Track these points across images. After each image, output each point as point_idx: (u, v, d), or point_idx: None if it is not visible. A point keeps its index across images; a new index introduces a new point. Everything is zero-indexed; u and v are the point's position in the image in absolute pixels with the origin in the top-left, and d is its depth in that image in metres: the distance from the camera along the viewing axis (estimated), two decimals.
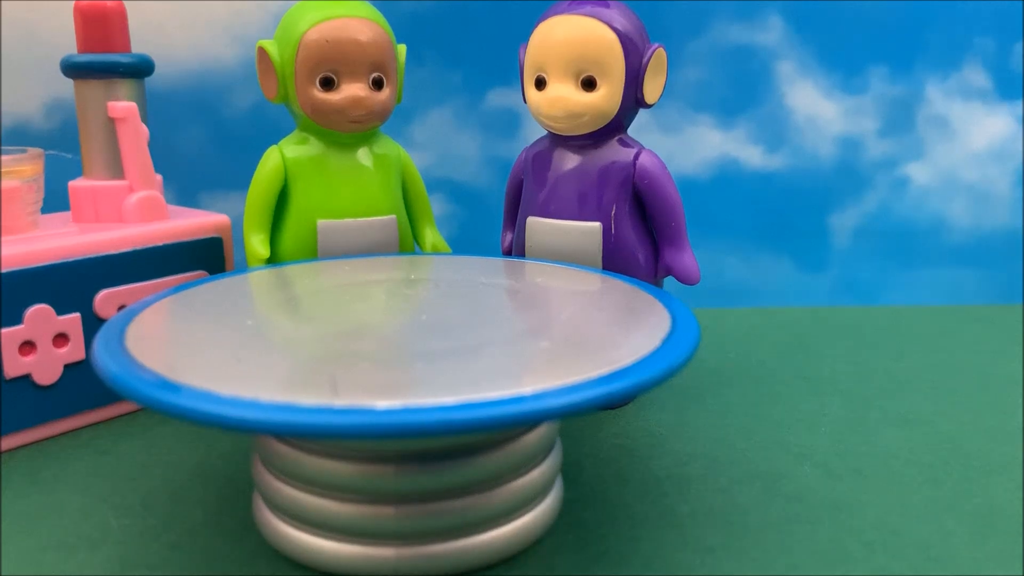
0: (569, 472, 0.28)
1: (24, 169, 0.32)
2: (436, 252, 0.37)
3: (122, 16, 0.34)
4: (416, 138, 0.50)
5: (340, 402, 0.18)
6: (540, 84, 0.32)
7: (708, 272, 0.34)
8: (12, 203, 0.31)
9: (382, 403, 0.18)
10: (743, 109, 0.50)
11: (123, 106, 0.34)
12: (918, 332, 0.44)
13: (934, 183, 0.52)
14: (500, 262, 0.32)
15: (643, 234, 0.33)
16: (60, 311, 0.31)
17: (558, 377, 0.19)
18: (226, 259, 0.35)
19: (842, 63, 0.50)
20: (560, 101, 0.31)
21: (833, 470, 0.29)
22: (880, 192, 0.51)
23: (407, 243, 0.36)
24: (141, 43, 0.37)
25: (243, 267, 0.33)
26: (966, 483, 0.28)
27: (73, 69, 0.34)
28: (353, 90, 0.33)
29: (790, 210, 0.52)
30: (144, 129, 0.34)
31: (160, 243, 0.33)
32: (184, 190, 0.48)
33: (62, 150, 0.37)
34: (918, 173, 0.52)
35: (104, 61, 0.33)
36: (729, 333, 0.43)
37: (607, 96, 0.31)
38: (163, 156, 0.36)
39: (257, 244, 0.34)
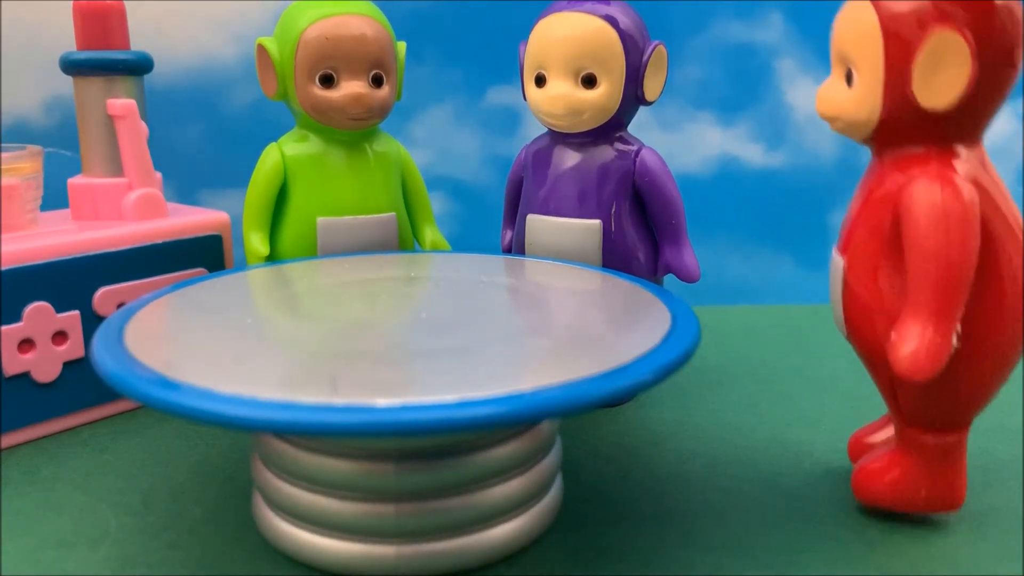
0: (569, 470, 0.28)
1: (23, 167, 0.32)
2: (436, 250, 0.37)
3: (121, 14, 0.34)
4: (416, 136, 0.50)
5: (340, 400, 0.18)
6: (540, 81, 0.32)
7: (708, 270, 0.34)
8: (11, 201, 0.31)
9: (382, 401, 0.18)
10: (743, 107, 0.50)
11: (122, 103, 0.33)
12: None
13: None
14: (500, 260, 0.32)
15: (643, 232, 0.33)
16: (59, 309, 0.30)
17: (558, 375, 0.19)
18: (225, 257, 0.35)
19: None
20: (560, 98, 0.31)
21: (833, 468, 0.28)
22: None
23: (407, 241, 0.36)
24: (140, 41, 0.37)
25: (243, 265, 0.33)
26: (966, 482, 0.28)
27: (72, 66, 0.34)
28: (353, 87, 0.33)
29: (790, 208, 0.52)
30: (143, 127, 0.34)
31: (159, 241, 0.33)
32: (183, 188, 0.48)
33: (61, 147, 0.37)
34: None
35: (103, 58, 0.33)
36: (729, 331, 0.43)
37: (607, 93, 0.31)
38: (162, 154, 0.36)
39: (257, 242, 0.34)
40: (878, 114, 0.22)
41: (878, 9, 0.22)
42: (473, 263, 0.32)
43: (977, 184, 0.22)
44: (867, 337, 0.24)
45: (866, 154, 0.25)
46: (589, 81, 0.31)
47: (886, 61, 0.22)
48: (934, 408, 0.24)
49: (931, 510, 0.25)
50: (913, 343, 0.21)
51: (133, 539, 0.24)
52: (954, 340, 0.22)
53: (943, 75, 0.21)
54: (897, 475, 0.25)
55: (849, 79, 0.23)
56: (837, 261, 0.24)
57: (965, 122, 0.22)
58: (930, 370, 0.21)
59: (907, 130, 0.22)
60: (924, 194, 0.22)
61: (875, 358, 0.24)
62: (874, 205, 0.23)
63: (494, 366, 0.21)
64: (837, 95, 0.24)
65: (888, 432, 0.27)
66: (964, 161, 0.22)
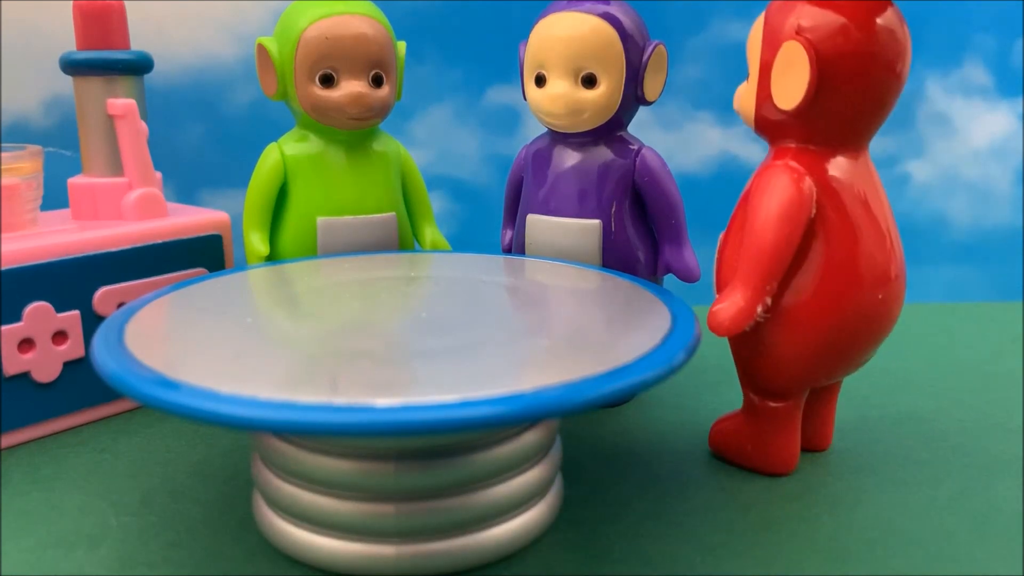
0: (569, 470, 0.28)
1: (23, 166, 0.32)
2: (436, 250, 0.37)
3: (121, 13, 0.34)
4: (416, 135, 0.50)
5: (340, 400, 0.18)
6: (540, 81, 0.32)
7: (708, 269, 0.34)
8: (11, 200, 0.31)
9: (382, 401, 0.18)
10: None
11: (122, 103, 0.33)
12: (918, 329, 0.44)
13: (935, 181, 0.52)
14: (500, 260, 0.32)
15: (643, 231, 0.33)
16: (59, 308, 0.30)
17: (558, 375, 0.19)
18: (225, 256, 0.35)
19: None
20: (560, 98, 0.31)
21: (833, 468, 0.28)
22: None
23: (407, 240, 0.36)
24: (140, 40, 0.37)
25: (243, 264, 0.33)
26: (966, 482, 0.28)
27: (72, 66, 0.33)
28: (353, 87, 0.33)
29: None
30: (143, 126, 0.34)
31: (159, 240, 0.33)
32: (184, 187, 0.48)
33: (61, 147, 0.37)
34: (919, 171, 0.52)
35: (103, 58, 0.33)
36: None
37: (607, 93, 0.31)
38: (162, 153, 0.36)
39: (257, 241, 0.34)
40: (753, 110, 0.26)
41: (765, 22, 0.25)
42: (473, 263, 0.32)
43: (830, 185, 0.25)
44: None
45: None
46: (589, 81, 0.31)
47: (761, 64, 0.25)
48: (751, 370, 0.27)
49: (754, 467, 0.28)
50: (723, 303, 0.25)
51: (133, 539, 0.24)
52: (759, 310, 0.25)
53: (789, 79, 0.24)
54: (731, 427, 0.29)
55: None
56: (720, 238, 0.28)
57: (823, 125, 0.25)
58: (727, 328, 0.25)
59: (775, 126, 0.26)
60: (764, 180, 0.25)
61: None
62: (749, 189, 0.27)
63: (494, 366, 0.21)
64: (740, 91, 0.27)
65: None
66: (826, 163, 0.25)
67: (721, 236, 0.28)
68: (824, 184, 0.25)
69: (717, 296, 0.27)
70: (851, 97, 0.24)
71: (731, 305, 0.25)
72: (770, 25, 0.25)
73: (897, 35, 0.24)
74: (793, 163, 0.25)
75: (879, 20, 0.24)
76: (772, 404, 0.27)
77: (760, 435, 0.28)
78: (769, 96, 0.25)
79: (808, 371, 0.26)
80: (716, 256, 0.28)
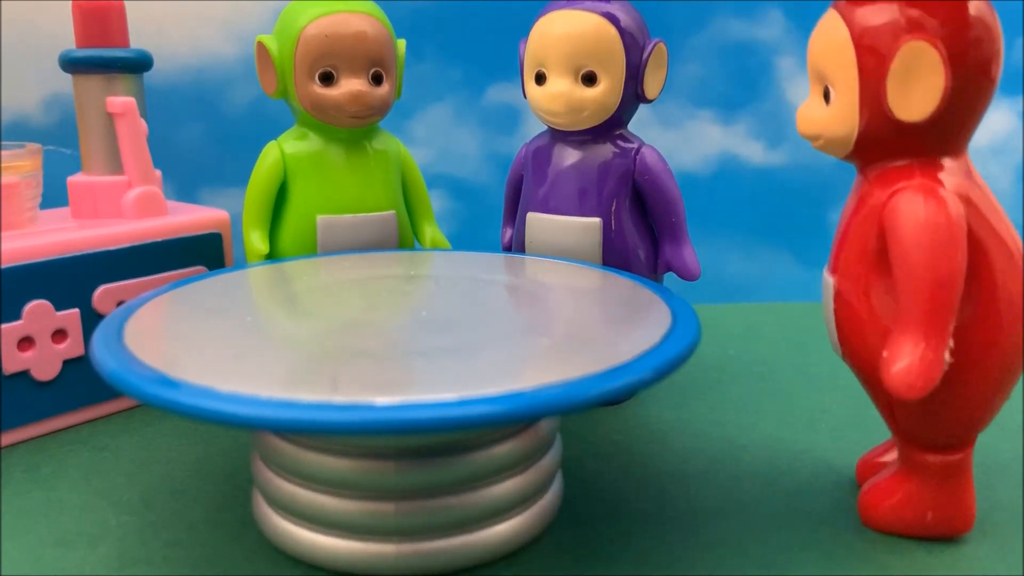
0: (569, 468, 0.28)
1: (23, 165, 0.32)
2: (436, 248, 0.37)
3: (120, 11, 0.34)
4: (416, 134, 0.50)
5: (340, 398, 0.18)
6: (540, 79, 0.32)
7: (708, 268, 0.34)
8: (11, 199, 0.31)
9: (382, 399, 0.18)
10: (744, 105, 0.50)
11: (122, 101, 0.33)
12: None
13: None
14: (500, 258, 0.32)
15: (643, 230, 0.33)
16: (59, 307, 0.30)
17: (558, 373, 0.19)
18: (225, 255, 0.35)
19: None
20: (560, 96, 0.31)
21: (834, 466, 0.28)
22: None
23: (407, 239, 0.36)
24: (140, 39, 0.37)
25: (242, 263, 0.33)
26: None
27: (72, 64, 0.33)
28: (352, 85, 0.33)
29: (790, 205, 0.52)
30: (143, 124, 0.34)
31: (159, 239, 0.33)
32: (183, 186, 0.48)
33: (61, 145, 0.37)
34: None
35: (103, 56, 0.33)
36: (729, 329, 0.43)
37: (607, 91, 0.31)
38: (162, 152, 0.36)
39: (256, 240, 0.34)
40: (857, 130, 0.22)
41: (849, 24, 0.22)
42: (473, 261, 0.32)
43: (963, 195, 0.21)
44: (862, 356, 0.23)
45: None
46: (589, 79, 0.31)
47: (860, 75, 0.22)
48: (934, 427, 0.23)
49: (939, 534, 0.24)
50: (905, 360, 0.21)
51: (133, 537, 0.24)
52: (947, 355, 0.21)
53: (917, 86, 0.21)
54: (901, 498, 0.24)
55: (827, 96, 0.23)
56: (828, 281, 0.24)
57: (947, 133, 0.22)
58: (923, 387, 0.21)
59: (887, 144, 0.22)
60: (908, 208, 0.21)
61: (872, 377, 0.23)
62: (860, 223, 0.23)
63: (494, 364, 0.21)
64: (816, 113, 0.23)
65: (895, 452, 0.26)
66: (949, 173, 0.22)
67: (832, 284, 0.24)
68: (963, 198, 0.21)
69: (848, 359, 0.24)
70: (975, 95, 0.21)
71: (917, 360, 0.20)
72: (865, 28, 0.21)
73: (989, 21, 0.21)
74: (931, 182, 0.21)
75: (981, 5, 0.21)
76: (953, 457, 0.23)
77: (941, 497, 0.24)
78: (880, 109, 0.21)
79: (993, 406, 0.23)
80: (832, 305, 0.24)
